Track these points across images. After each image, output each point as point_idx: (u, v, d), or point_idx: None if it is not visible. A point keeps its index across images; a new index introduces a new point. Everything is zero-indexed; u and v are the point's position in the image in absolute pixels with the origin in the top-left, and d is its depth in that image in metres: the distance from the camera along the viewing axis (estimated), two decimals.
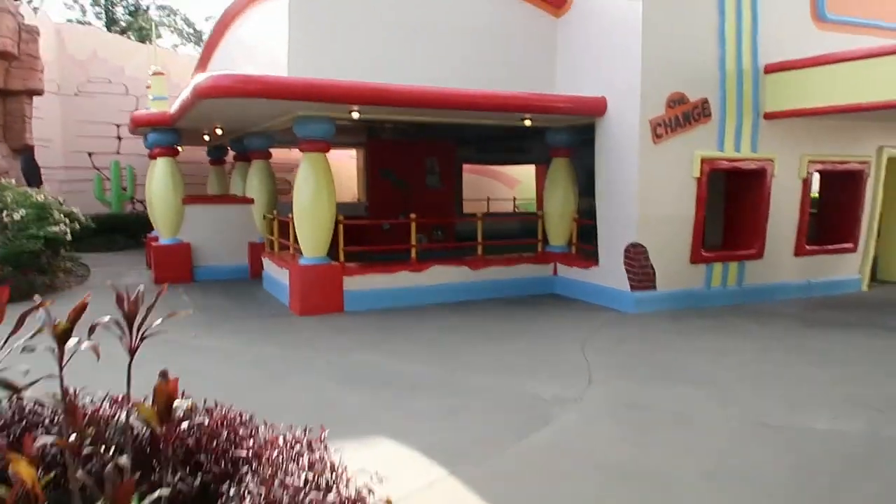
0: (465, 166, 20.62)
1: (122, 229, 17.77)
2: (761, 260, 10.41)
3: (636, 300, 9.55)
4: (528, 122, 10.16)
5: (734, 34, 9.65)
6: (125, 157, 19.23)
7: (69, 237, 11.24)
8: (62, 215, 11.33)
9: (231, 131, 12.51)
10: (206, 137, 13.85)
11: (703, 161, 9.57)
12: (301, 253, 9.66)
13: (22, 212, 10.87)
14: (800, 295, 10.81)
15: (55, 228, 11.03)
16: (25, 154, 16.95)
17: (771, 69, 9.88)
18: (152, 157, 12.55)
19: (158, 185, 12.22)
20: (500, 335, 8.06)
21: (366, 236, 12.07)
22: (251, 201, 12.82)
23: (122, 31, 30.17)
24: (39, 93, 14.37)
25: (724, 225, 10.83)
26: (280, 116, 9.96)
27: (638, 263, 9.48)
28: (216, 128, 12.01)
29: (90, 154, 18.81)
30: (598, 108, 9.79)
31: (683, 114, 9.39)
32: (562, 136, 11.19)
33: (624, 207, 9.57)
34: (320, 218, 9.42)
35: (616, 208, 9.77)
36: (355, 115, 9.22)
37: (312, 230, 9.46)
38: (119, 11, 32.40)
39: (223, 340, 7.88)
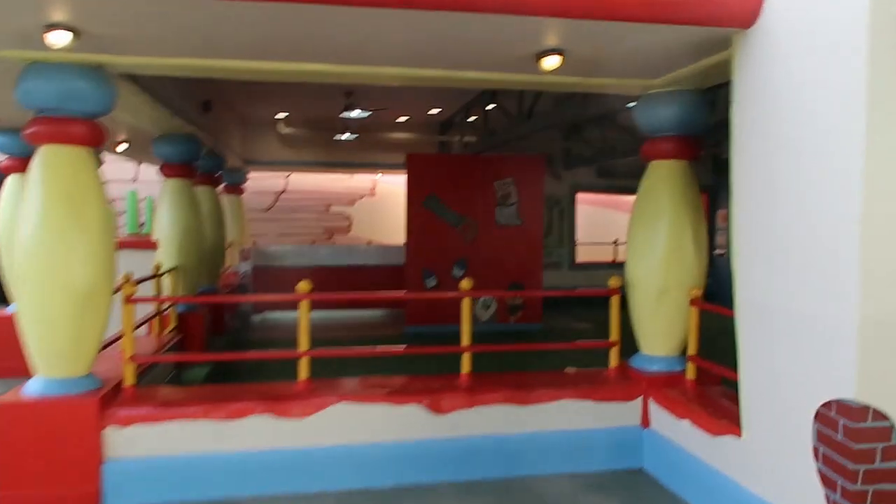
0: (582, 196, 14.45)
1: None
2: None
3: None
4: (552, 63, 4.12)
5: None
6: (146, 186, 15.41)
7: None
8: None
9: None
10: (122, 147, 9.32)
11: None
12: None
13: None
14: None
15: None
16: None
17: None
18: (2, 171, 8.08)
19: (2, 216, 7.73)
20: None
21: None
22: (153, 245, 7.90)
23: None
24: None
25: None
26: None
27: (853, 458, 3.02)
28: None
29: None
30: (732, 6, 3.58)
31: None
32: (664, 110, 4.98)
33: (812, 288, 3.21)
34: (54, 292, 4.14)
35: (789, 290, 3.41)
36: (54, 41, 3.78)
37: (38, 320, 4.20)
38: None
39: None
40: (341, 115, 9.82)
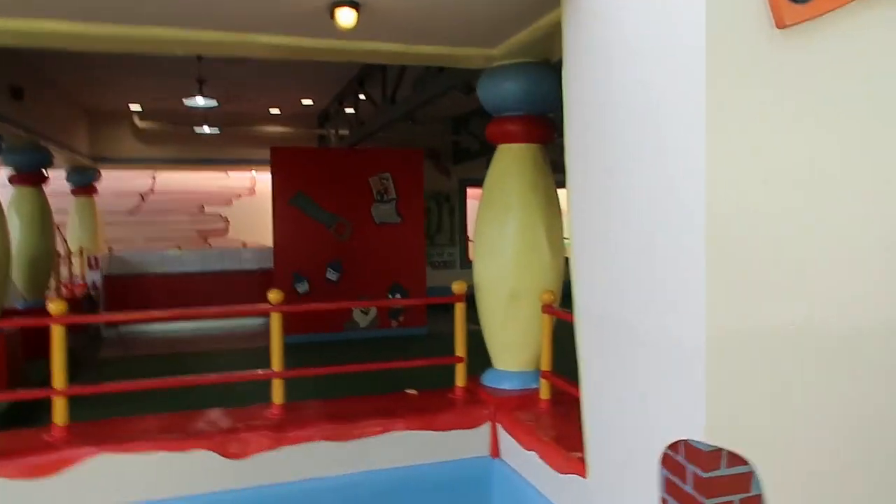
0: (473, 191, 13.77)
1: None
2: None
3: None
4: (347, 18, 3.30)
5: None
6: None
7: None
8: None
9: None
10: None
11: None
12: None
13: None
14: None
15: None
16: None
17: None
18: None
19: None
20: None
21: None
22: None
23: None
24: None
25: None
26: None
27: None
28: None
29: None
30: None
31: None
32: (508, 85, 4.27)
33: (653, 298, 2.51)
34: None
35: (629, 299, 2.70)
36: None
37: None
38: None
39: None
40: (185, 103, 8.69)
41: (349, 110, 10.68)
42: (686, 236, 2.25)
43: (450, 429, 4.07)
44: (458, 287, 4.38)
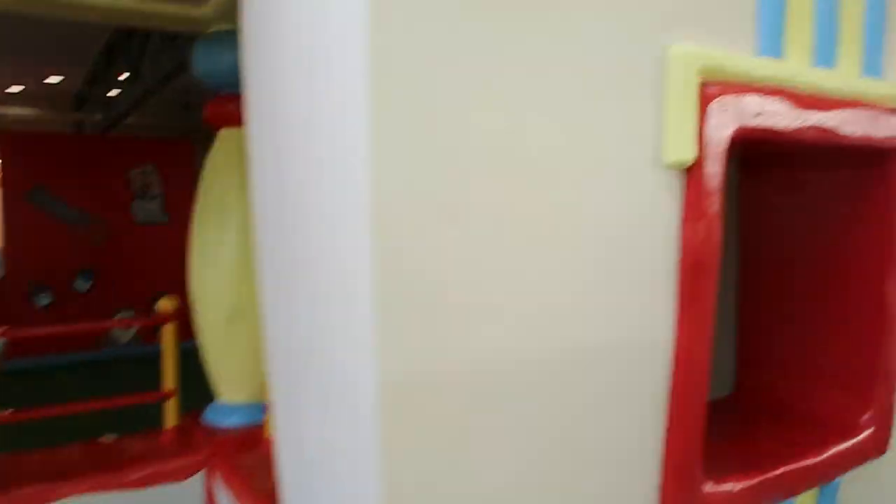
0: None
1: None
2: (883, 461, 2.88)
3: None
4: None
5: None
6: None
7: None
8: None
9: None
10: None
11: (706, 86, 2.00)
12: None
13: None
14: None
15: None
16: None
17: None
18: None
19: None
20: None
21: None
22: None
23: None
24: None
25: (740, 342, 3.24)
26: None
27: None
28: None
29: None
30: None
31: None
32: (228, 55, 3.51)
33: (328, 329, 1.90)
34: None
35: (306, 328, 2.08)
36: None
37: None
38: None
39: None
40: None
41: (113, 92, 9.26)
42: (350, 242, 1.65)
43: (149, 484, 3.23)
44: (165, 304, 3.54)
